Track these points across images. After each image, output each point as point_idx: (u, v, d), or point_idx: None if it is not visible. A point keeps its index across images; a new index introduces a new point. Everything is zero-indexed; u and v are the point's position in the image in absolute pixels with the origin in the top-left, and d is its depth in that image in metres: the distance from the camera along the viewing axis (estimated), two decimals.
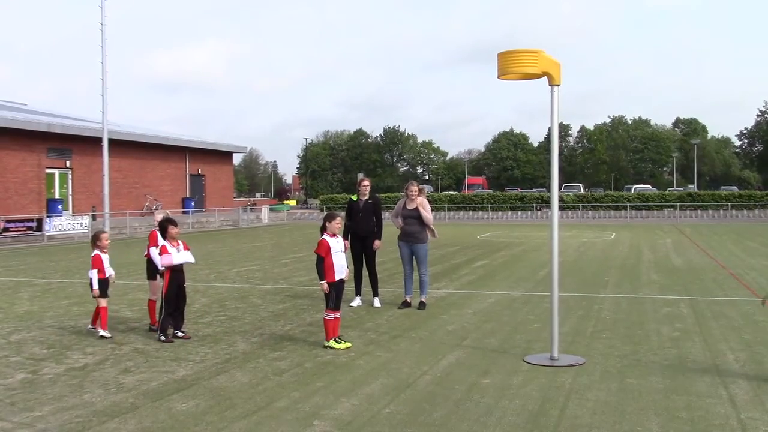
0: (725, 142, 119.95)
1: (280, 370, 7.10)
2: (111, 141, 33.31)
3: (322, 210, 52.01)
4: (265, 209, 50.19)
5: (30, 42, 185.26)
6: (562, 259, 12.87)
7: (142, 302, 11.62)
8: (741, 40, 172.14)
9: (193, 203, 45.77)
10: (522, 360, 7.41)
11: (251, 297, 12.21)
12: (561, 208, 43.58)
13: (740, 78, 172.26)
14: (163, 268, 8.72)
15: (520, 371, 6.97)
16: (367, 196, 11.13)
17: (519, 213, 49.57)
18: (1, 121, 33.98)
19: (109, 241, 9.27)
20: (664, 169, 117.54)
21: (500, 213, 49.73)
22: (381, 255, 12.63)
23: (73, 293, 12.72)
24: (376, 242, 11.08)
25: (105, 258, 9.06)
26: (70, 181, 38.62)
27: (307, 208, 70.40)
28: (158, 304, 9.07)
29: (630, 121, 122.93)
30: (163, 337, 8.49)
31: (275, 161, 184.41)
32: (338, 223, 8.25)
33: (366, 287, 11.30)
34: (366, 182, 11.34)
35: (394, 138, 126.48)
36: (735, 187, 67.17)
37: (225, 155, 54.54)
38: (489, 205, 50.62)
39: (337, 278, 8.08)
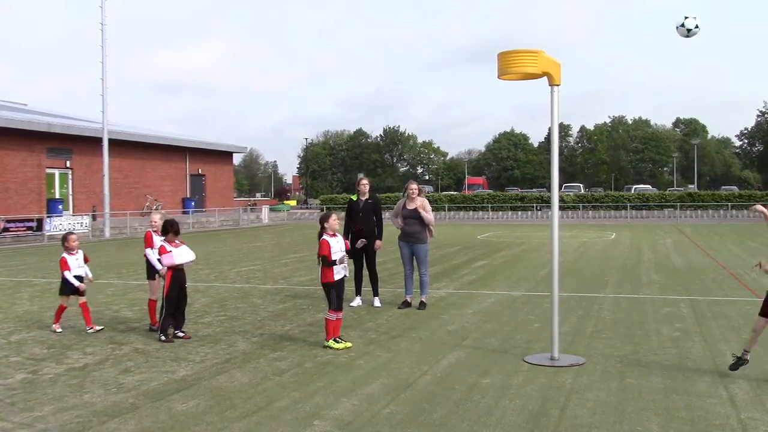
0: (725, 142, 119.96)
1: (280, 370, 7.10)
2: (111, 141, 33.33)
3: (322, 210, 51.99)
4: (265, 209, 50.20)
5: (31, 42, 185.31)
6: (562, 259, 12.87)
7: (143, 302, 11.62)
8: (741, 40, 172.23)
9: (193, 203, 45.78)
10: (522, 360, 7.41)
11: (251, 297, 12.21)
12: (561, 208, 43.54)
13: (740, 78, 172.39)
14: (165, 268, 8.74)
15: (521, 371, 6.97)
16: (366, 196, 11.12)
17: (519, 213, 49.56)
18: (1, 121, 33.99)
19: (77, 242, 9.56)
20: (665, 169, 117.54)
21: (500, 213, 49.72)
22: (381, 255, 12.63)
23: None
24: (377, 242, 11.08)
25: (72, 259, 9.38)
26: (70, 181, 38.62)
27: (307, 208, 70.41)
28: (159, 304, 9.09)
29: (630, 121, 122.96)
30: (163, 337, 8.49)
31: (275, 161, 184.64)
32: (335, 220, 8.19)
33: (366, 287, 11.30)
34: (365, 181, 11.33)
35: (394, 138, 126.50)
36: (735, 187, 67.16)
37: (225, 155, 54.55)
38: (489, 205, 50.61)
39: (336, 278, 8.08)
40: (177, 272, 8.70)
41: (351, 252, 11.04)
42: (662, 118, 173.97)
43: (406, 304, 10.84)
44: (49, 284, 14.37)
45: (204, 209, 47.34)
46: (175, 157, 47.10)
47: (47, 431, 5.33)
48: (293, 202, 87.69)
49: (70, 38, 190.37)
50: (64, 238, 9.59)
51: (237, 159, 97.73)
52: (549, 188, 8.19)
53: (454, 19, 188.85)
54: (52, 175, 37.59)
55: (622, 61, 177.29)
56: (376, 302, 11.08)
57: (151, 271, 9.38)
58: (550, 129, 7.76)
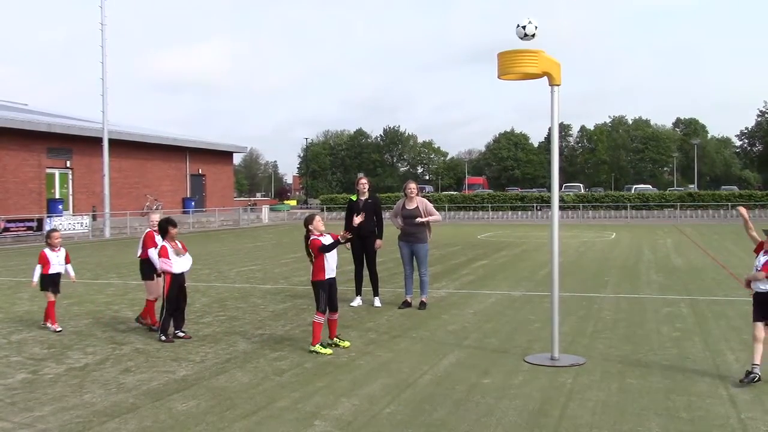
0: (725, 142, 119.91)
1: (281, 370, 7.10)
2: (111, 141, 33.34)
3: (322, 210, 52.01)
4: (265, 209, 50.20)
5: (31, 42, 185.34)
6: (562, 259, 12.86)
7: (143, 302, 11.62)
8: (741, 40, 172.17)
9: (193, 203, 45.78)
10: (522, 360, 7.41)
11: (252, 297, 12.21)
12: (561, 208, 43.53)
13: (740, 78, 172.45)
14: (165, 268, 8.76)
15: (521, 371, 6.97)
16: (366, 195, 11.12)
17: (519, 213, 49.55)
18: (1, 121, 33.99)
19: (60, 240, 9.68)
20: (665, 169, 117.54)
21: (500, 213, 49.72)
22: (381, 255, 12.63)
23: (73, 293, 12.71)
24: (378, 242, 11.08)
25: (53, 255, 9.46)
26: (70, 181, 38.63)
27: (307, 207, 70.39)
28: (158, 304, 9.11)
29: (630, 121, 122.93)
30: (163, 337, 8.49)
31: (275, 161, 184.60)
32: (320, 221, 8.06)
33: (366, 287, 11.30)
34: (364, 181, 11.32)
35: (394, 138, 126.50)
36: (735, 187, 67.14)
37: (225, 155, 54.55)
38: (489, 205, 50.60)
39: (327, 276, 7.99)
40: (176, 273, 8.71)
41: (352, 249, 11.08)
42: (662, 118, 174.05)
43: (407, 304, 10.84)
44: None
45: (204, 209, 47.35)
46: (175, 157, 47.10)
47: (47, 431, 5.33)
48: (293, 202, 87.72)
49: (70, 38, 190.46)
50: (48, 234, 9.79)
51: (237, 159, 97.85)
52: (549, 188, 8.18)
53: (454, 19, 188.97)
54: (52, 175, 37.59)
55: (622, 61, 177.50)
56: (377, 302, 11.08)
57: (147, 272, 9.37)
58: (550, 129, 7.77)
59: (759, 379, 6.46)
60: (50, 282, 9.44)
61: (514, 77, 7.54)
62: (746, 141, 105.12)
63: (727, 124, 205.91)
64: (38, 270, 9.43)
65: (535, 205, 49.85)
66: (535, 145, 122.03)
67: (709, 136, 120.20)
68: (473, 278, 14.69)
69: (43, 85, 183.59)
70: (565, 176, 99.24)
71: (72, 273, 9.79)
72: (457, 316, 10.09)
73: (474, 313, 10.35)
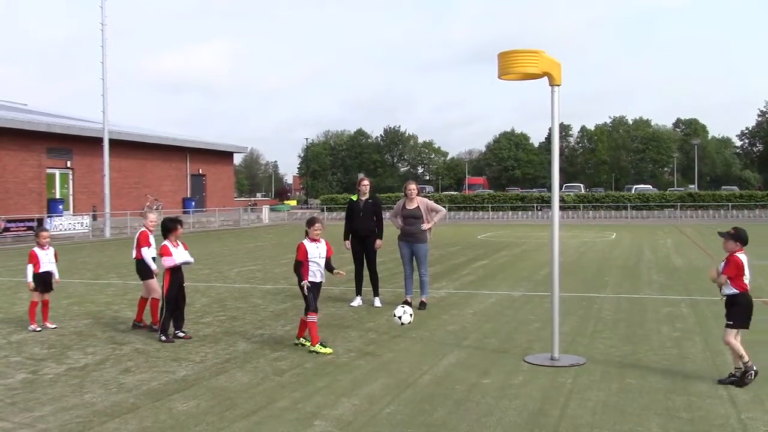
0: (726, 142, 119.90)
1: (281, 370, 7.10)
2: (111, 141, 33.33)
3: (322, 210, 52.02)
4: (265, 209, 50.19)
5: (32, 42, 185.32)
6: (562, 259, 12.86)
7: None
8: (741, 39, 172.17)
9: (193, 203, 45.80)
10: (522, 360, 7.41)
11: (252, 297, 12.21)
12: (562, 208, 43.52)
13: (740, 78, 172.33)
14: (164, 268, 8.77)
15: (521, 371, 6.97)
16: (367, 196, 11.13)
17: (519, 213, 49.53)
18: (1, 121, 34.01)
19: (48, 239, 9.69)
20: (665, 169, 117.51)
21: (501, 213, 49.71)
22: (381, 255, 12.62)
23: (74, 293, 12.72)
24: (378, 242, 11.09)
25: (42, 254, 9.47)
26: (70, 181, 38.65)
27: (307, 208, 70.38)
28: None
29: (631, 122, 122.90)
30: (163, 337, 8.49)
31: (276, 161, 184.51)
32: (317, 229, 8.02)
33: (366, 287, 11.30)
34: (365, 181, 11.34)
35: (394, 138, 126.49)
36: (736, 188, 67.14)
37: (226, 155, 54.57)
38: (489, 205, 50.59)
39: (310, 279, 7.93)
40: (176, 272, 8.70)
41: (352, 249, 11.08)
42: (663, 118, 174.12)
43: (407, 304, 10.82)
44: None
45: (204, 209, 47.36)
46: (175, 157, 47.11)
47: (47, 431, 5.33)
48: (294, 202, 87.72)
49: (70, 38, 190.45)
50: (37, 233, 9.85)
51: (237, 159, 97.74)
52: (549, 188, 8.18)
53: (454, 20, 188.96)
54: (53, 175, 37.61)
55: (622, 61, 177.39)
56: (377, 302, 11.08)
57: (144, 272, 9.37)
58: (550, 129, 7.76)
59: (757, 373, 6.43)
60: (40, 281, 9.44)
61: (515, 77, 7.53)
62: (747, 141, 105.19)
63: (728, 124, 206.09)
64: (30, 270, 9.42)
65: (535, 205, 49.83)
66: (536, 145, 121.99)
67: (710, 136, 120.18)
68: (473, 278, 14.69)
69: (43, 85, 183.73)
70: (566, 176, 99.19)
71: (57, 274, 9.73)
72: (457, 316, 10.09)
73: (474, 313, 10.35)
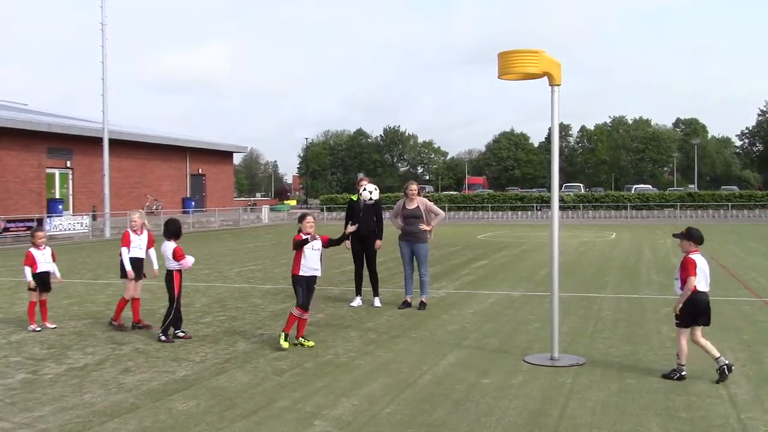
0: (725, 142, 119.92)
1: (281, 370, 7.10)
2: (111, 141, 33.32)
3: (322, 210, 52.03)
4: (265, 209, 50.19)
5: (31, 42, 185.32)
6: (562, 259, 12.85)
7: (143, 302, 11.59)
8: (741, 39, 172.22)
9: (193, 203, 45.78)
10: (522, 360, 7.41)
11: (251, 297, 12.21)
12: (561, 208, 43.49)
13: (740, 78, 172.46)
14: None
15: (521, 371, 6.97)
16: None
17: (519, 213, 49.55)
18: (1, 121, 33.99)
19: (44, 239, 9.71)
20: (665, 169, 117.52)
21: (500, 213, 49.73)
22: (381, 255, 12.62)
23: (74, 293, 12.72)
24: (378, 242, 11.09)
25: (38, 254, 9.48)
26: (70, 181, 38.63)
27: (307, 207, 70.39)
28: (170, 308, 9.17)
29: (630, 121, 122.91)
30: (163, 337, 8.49)
31: (276, 161, 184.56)
32: (309, 222, 8.16)
33: (366, 287, 11.30)
34: (365, 182, 11.32)
35: (394, 138, 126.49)
36: (735, 187, 67.15)
37: (225, 155, 54.56)
38: (489, 205, 50.62)
39: (301, 273, 8.09)
40: (181, 273, 8.73)
41: (352, 249, 11.08)
42: (662, 118, 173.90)
43: (406, 304, 10.84)
44: None
45: (204, 209, 47.34)
46: (175, 157, 47.10)
47: (47, 431, 5.33)
48: (293, 202, 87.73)
49: (70, 38, 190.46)
50: (32, 234, 9.84)
51: (237, 159, 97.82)
52: (549, 188, 8.18)
53: (454, 20, 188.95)
54: (53, 175, 37.60)
55: (622, 61, 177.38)
56: (376, 302, 11.08)
57: (140, 270, 9.44)
58: (550, 129, 7.77)
59: (731, 370, 6.55)
60: (38, 281, 9.44)
61: (515, 77, 7.53)
62: (746, 141, 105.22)
63: (728, 124, 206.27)
64: (28, 271, 9.43)
65: (535, 205, 49.85)
66: (535, 145, 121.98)
67: (710, 136, 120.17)
68: (473, 278, 14.69)
69: (43, 85, 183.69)
70: (565, 176, 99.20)
71: (58, 273, 9.78)
72: (457, 316, 10.09)
73: (474, 313, 10.35)
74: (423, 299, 10.85)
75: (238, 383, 6.61)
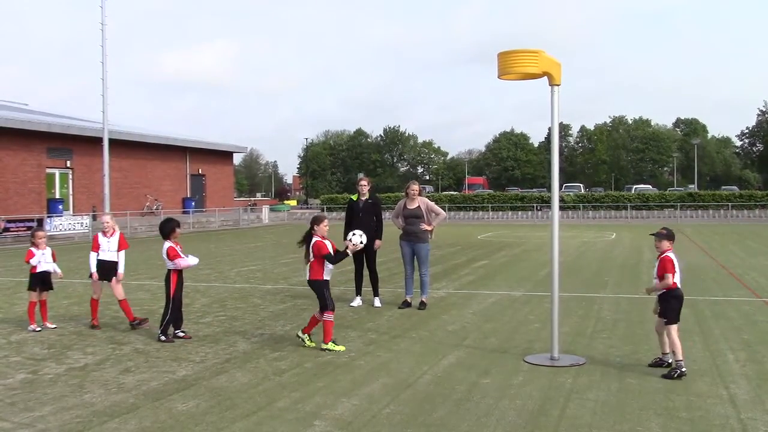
0: (725, 142, 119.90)
1: (281, 370, 7.10)
2: (111, 141, 33.32)
3: (322, 210, 52.02)
4: (265, 209, 50.19)
5: (31, 42, 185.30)
6: (562, 259, 12.85)
7: (143, 302, 11.65)
8: (741, 39, 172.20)
9: (193, 203, 45.77)
10: (522, 360, 7.41)
11: (251, 297, 12.21)
12: (561, 208, 43.50)
13: (740, 78, 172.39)
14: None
15: (521, 371, 6.97)
16: (366, 196, 11.13)
17: (519, 213, 49.55)
18: (1, 121, 33.97)
19: (44, 239, 9.74)
20: (665, 169, 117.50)
21: (500, 213, 49.74)
22: (381, 255, 12.63)
23: (73, 293, 12.72)
24: (377, 242, 11.09)
25: (38, 253, 9.49)
26: (70, 181, 38.62)
27: (307, 208, 70.40)
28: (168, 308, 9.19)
29: (630, 121, 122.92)
30: (163, 337, 8.49)
31: (276, 161, 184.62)
32: (326, 225, 8.13)
33: (366, 287, 11.30)
34: (364, 181, 11.34)
35: (394, 138, 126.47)
36: (735, 187, 67.16)
37: (225, 155, 54.54)
38: (489, 205, 50.62)
39: (325, 277, 8.07)
40: (180, 273, 8.73)
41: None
42: (662, 118, 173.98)
43: (407, 304, 10.84)
44: None
45: (204, 209, 47.33)
46: (175, 157, 47.08)
47: (47, 431, 5.33)
48: (293, 202, 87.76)
49: (70, 38, 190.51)
50: (32, 233, 9.85)
51: (237, 159, 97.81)
52: (549, 188, 8.18)
53: (454, 19, 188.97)
54: (53, 175, 37.58)
55: (622, 61, 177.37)
56: (376, 302, 11.08)
57: (107, 273, 9.51)
58: (550, 129, 7.76)
59: (684, 374, 6.65)
60: (39, 281, 9.46)
61: (515, 77, 7.53)
62: (746, 141, 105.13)
63: (727, 124, 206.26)
64: (36, 261, 9.50)
65: (535, 205, 49.84)
66: (535, 145, 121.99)
67: (709, 136, 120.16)
68: (473, 278, 14.69)
69: (43, 85, 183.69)
70: (565, 176, 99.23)
71: (59, 270, 9.82)
72: (457, 316, 10.09)
73: (474, 313, 10.35)
74: (423, 299, 10.85)
75: (238, 383, 6.61)
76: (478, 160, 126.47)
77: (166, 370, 7.15)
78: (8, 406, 5.96)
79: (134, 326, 9.33)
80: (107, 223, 9.69)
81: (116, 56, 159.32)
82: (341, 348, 7.93)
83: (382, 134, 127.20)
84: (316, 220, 8.17)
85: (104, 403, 6.02)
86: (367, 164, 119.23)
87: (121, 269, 9.67)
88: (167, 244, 8.65)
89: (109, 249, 9.54)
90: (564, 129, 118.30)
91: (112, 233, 9.61)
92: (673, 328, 6.91)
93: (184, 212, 42.67)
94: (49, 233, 28.33)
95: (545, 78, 7.33)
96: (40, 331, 9.23)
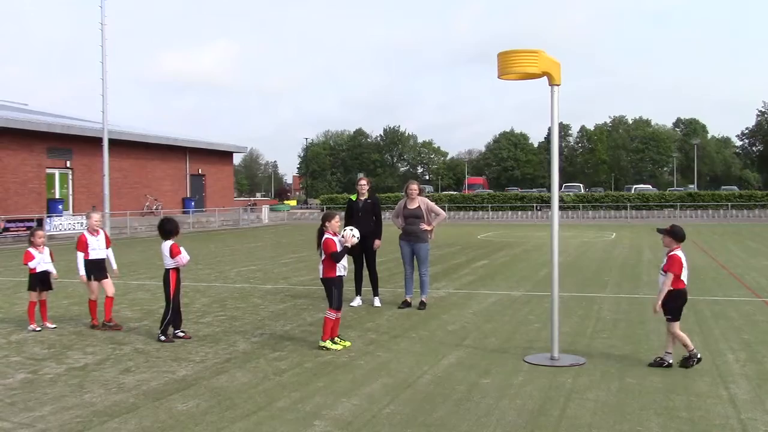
0: (725, 142, 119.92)
1: (281, 370, 7.10)
2: (111, 141, 33.30)
3: (322, 210, 52.00)
4: (265, 209, 50.19)
5: (31, 42, 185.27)
6: (562, 259, 12.87)
7: (143, 302, 11.65)
8: (741, 39, 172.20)
9: (193, 203, 45.76)
10: (522, 360, 7.41)
11: (251, 297, 12.21)
12: (561, 208, 43.53)
13: (740, 78, 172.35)
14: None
15: (521, 371, 6.97)
16: (366, 196, 11.14)
17: (519, 213, 49.57)
18: (1, 121, 33.96)
19: (43, 239, 9.73)
20: (665, 169, 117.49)
21: (500, 213, 49.75)
22: (381, 255, 12.63)
23: (74, 293, 12.72)
24: (377, 242, 11.09)
25: (37, 254, 9.50)
26: (70, 181, 38.61)
27: (307, 208, 70.38)
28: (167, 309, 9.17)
29: (630, 121, 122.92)
30: (163, 337, 8.49)
31: (275, 161, 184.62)
32: (337, 222, 8.23)
33: (366, 287, 11.30)
34: (364, 181, 11.35)
35: (394, 138, 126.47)
36: (735, 188, 67.17)
37: (225, 155, 54.53)
38: (489, 205, 50.63)
39: (338, 274, 8.10)
40: (179, 272, 8.73)
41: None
42: (662, 118, 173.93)
43: (407, 304, 10.85)
44: None
45: (204, 209, 47.32)
46: (175, 157, 47.07)
47: (47, 431, 5.33)
48: (293, 202, 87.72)
49: (70, 38, 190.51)
50: (31, 233, 9.81)
51: (237, 159, 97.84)
52: (549, 188, 8.18)
53: (454, 20, 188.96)
54: (53, 175, 37.57)
55: (622, 61, 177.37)
56: (376, 302, 11.08)
57: (102, 272, 9.49)
58: (550, 129, 7.76)
59: (701, 359, 7.07)
60: (38, 280, 9.47)
61: (514, 77, 7.53)
62: (746, 141, 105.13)
63: (727, 124, 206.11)
64: (35, 264, 9.51)
65: (535, 205, 49.87)
66: (535, 145, 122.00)
67: (709, 136, 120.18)
68: (473, 278, 14.69)
69: (43, 85, 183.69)
70: (565, 176, 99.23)
71: (54, 271, 9.80)
72: (457, 316, 10.09)
73: (474, 313, 10.35)
74: (423, 299, 10.85)
75: (238, 383, 6.61)
76: (478, 160, 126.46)
77: (166, 370, 7.15)
78: (8, 406, 5.96)
79: (105, 326, 9.30)
80: (98, 221, 9.66)
81: (116, 56, 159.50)
82: (338, 346, 7.94)
83: (382, 134, 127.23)
84: (327, 217, 8.23)
85: (104, 403, 6.02)
86: (367, 164, 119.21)
87: (114, 265, 9.69)
88: (169, 242, 8.63)
89: (98, 247, 9.53)
90: (564, 129, 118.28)
91: (99, 232, 9.61)
92: (675, 325, 7.07)
93: (184, 212, 42.66)
94: (49, 233, 28.35)
95: (545, 78, 7.33)
96: (40, 331, 9.23)
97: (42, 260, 9.55)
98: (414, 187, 10.97)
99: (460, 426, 5.35)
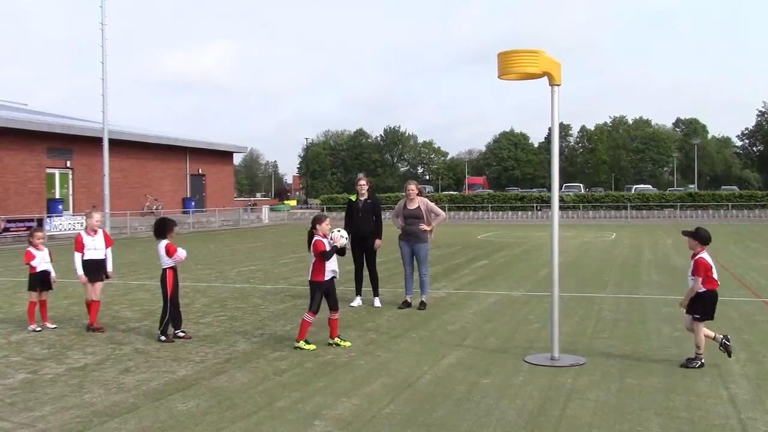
0: (725, 142, 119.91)
1: (281, 370, 7.10)
2: (111, 141, 33.31)
3: (322, 210, 52.00)
4: (265, 209, 50.19)
5: (31, 42, 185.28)
6: (562, 259, 12.86)
7: (143, 302, 11.65)
8: (741, 39, 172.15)
9: (193, 203, 45.77)
10: (522, 360, 7.41)
11: (252, 297, 12.21)
12: (561, 208, 43.49)
13: (740, 78, 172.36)
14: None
15: (521, 371, 6.97)
16: (366, 196, 11.13)
17: (519, 213, 49.57)
18: (1, 121, 33.96)
19: (42, 239, 9.72)
20: (665, 169, 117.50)
21: (500, 213, 49.76)
22: (381, 255, 12.63)
23: (74, 293, 12.71)
24: (377, 241, 11.09)
25: (38, 254, 9.50)
26: (70, 181, 38.62)
27: (307, 208, 70.39)
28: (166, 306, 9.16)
29: (630, 121, 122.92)
30: (163, 337, 8.49)
31: (276, 161, 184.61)
32: (328, 225, 8.19)
33: (366, 287, 11.30)
34: (363, 182, 11.34)
35: (394, 138, 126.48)
36: (735, 187, 67.19)
37: (225, 155, 54.54)
38: (489, 205, 50.63)
39: (326, 278, 8.08)
40: (176, 272, 8.73)
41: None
42: (662, 118, 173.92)
43: (407, 304, 10.84)
44: None
45: (204, 209, 47.32)
46: (175, 157, 47.08)
47: (47, 431, 5.33)
48: (293, 202, 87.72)
49: (70, 38, 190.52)
50: (31, 234, 9.79)
51: (237, 159, 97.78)
52: (549, 188, 8.18)
53: (455, 20, 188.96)
54: (53, 175, 37.58)
55: (622, 61, 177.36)
56: (376, 302, 11.08)
57: (96, 273, 9.41)
58: (550, 129, 7.77)
59: (703, 365, 7.06)
60: (38, 281, 9.46)
61: (515, 77, 7.53)
62: (747, 141, 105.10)
63: (728, 124, 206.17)
64: (36, 262, 9.50)
65: (535, 205, 49.88)
66: (535, 145, 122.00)
67: (710, 136, 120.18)
68: (473, 278, 14.69)
69: (43, 85, 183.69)
70: (565, 176, 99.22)
71: (53, 272, 9.77)
72: (457, 316, 10.09)
73: (474, 313, 10.35)
74: (423, 299, 10.85)
75: (238, 383, 6.61)
76: (478, 160, 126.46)
77: (166, 370, 7.15)
78: (8, 406, 5.96)
79: (90, 329, 9.24)
80: (99, 221, 9.59)
81: (116, 56, 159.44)
82: (311, 347, 7.93)
83: (383, 134, 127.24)
84: (318, 219, 8.22)
85: (104, 403, 6.02)
86: (367, 164, 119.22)
87: (110, 267, 9.62)
88: (164, 242, 8.65)
89: (95, 247, 9.45)
90: (564, 129, 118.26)
91: (96, 231, 9.56)
92: (700, 324, 7.13)
93: (184, 212, 42.67)
94: (49, 233, 28.36)
95: (545, 78, 7.33)
96: (40, 331, 9.23)
97: (42, 259, 9.55)
98: (412, 187, 10.96)
99: (460, 426, 5.35)
